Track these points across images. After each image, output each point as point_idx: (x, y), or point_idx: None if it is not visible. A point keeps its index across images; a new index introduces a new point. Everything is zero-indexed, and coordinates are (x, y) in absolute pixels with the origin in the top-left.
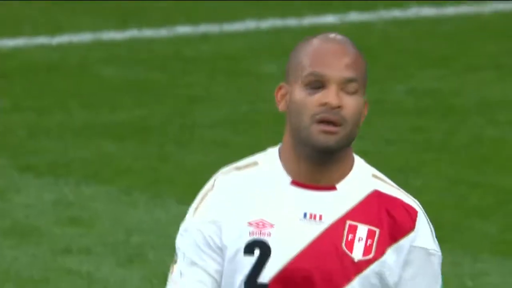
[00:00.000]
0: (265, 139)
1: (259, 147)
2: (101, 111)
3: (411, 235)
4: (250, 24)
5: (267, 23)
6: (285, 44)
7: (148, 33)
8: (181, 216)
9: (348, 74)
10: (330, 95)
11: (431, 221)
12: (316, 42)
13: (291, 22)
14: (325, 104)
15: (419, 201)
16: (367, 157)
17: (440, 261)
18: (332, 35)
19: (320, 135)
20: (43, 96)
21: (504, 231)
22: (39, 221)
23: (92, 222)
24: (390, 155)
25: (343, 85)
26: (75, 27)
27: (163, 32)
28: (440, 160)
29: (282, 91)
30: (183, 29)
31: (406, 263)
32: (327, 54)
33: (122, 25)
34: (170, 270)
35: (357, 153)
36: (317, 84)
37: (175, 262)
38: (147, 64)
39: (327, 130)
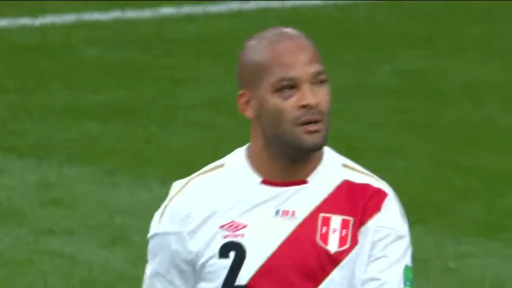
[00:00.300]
0: (249, 120)
1: (243, 129)
2: (84, 92)
3: (377, 216)
4: (233, 6)
5: (250, 5)
6: (268, 26)
7: (131, 14)
8: (165, 198)
9: (315, 68)
10: (307, 96)
11: (415, 203)
12: (270, 41)
13: (275, 4)
14: (304, 106)
15: (403, 183)
16: (351, 139)
17: (406, 247)
18: (283, 31)
19: (306, 136)
20: (25, 77)
21: (488, 213)
22: (22, 202)
23: (75, 204)
24: (374, 137)
25: (313, 80)
26: (57, 8)
27: (146, 13)
28: (424, 141)
29: (245, 98)
30: (167, 10)
31: (372, 245)
32: (289, 53)
33: (106, 6)
34: (145, 269)
35: (341, 136)
36: (289, 87)
37: (147, 262)
38: (130, 45)
39: (312, 130)
